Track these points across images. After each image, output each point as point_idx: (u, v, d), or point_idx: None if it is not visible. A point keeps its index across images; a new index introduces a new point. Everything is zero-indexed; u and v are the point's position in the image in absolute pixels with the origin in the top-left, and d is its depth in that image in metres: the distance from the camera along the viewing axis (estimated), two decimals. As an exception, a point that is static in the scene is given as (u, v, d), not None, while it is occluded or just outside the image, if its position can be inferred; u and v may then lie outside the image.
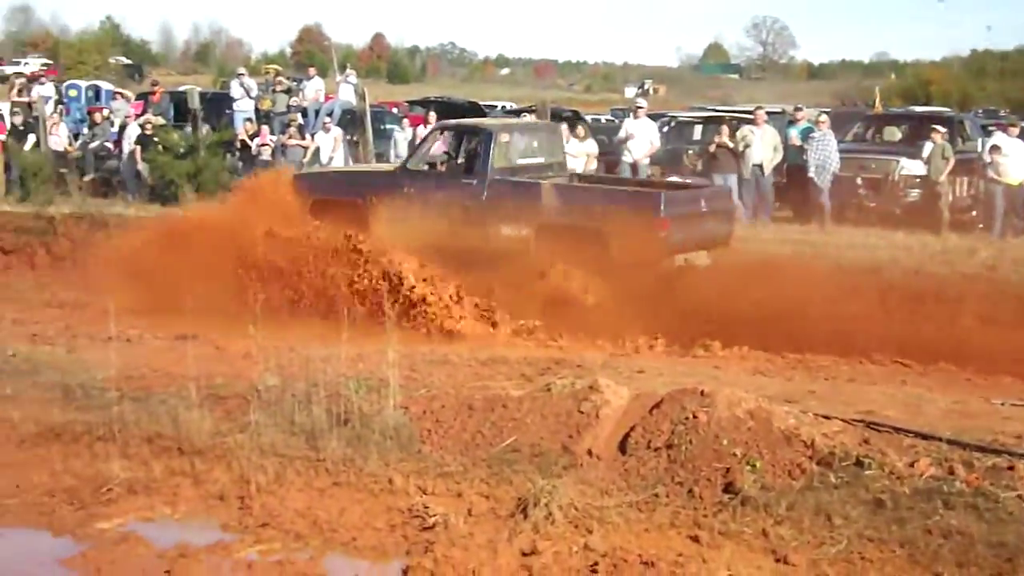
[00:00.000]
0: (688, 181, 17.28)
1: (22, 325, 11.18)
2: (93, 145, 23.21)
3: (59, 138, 22.87)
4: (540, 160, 14.01)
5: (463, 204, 12.93)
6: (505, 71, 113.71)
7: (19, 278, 15.54)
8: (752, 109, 21.12)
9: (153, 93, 25.98)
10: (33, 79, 31.56)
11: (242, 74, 24.95)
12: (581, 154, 19.11)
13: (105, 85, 37.95)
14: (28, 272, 16.02)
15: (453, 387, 8.32)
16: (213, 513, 6.75)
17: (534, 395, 7.64)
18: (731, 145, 19.16)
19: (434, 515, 6.39)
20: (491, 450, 7.23)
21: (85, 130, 25.08)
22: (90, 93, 34.00)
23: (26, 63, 68.29)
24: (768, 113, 20.34)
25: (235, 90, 23.93)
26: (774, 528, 6.11)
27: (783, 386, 9.02)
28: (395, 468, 7.10)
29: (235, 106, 23.54)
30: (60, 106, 27.85)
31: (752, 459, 6.62)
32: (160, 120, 22.86)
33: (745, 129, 19.39)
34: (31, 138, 22.78)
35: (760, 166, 19.20)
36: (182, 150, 21.19)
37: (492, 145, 13.18)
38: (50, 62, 69.76)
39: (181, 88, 30.45)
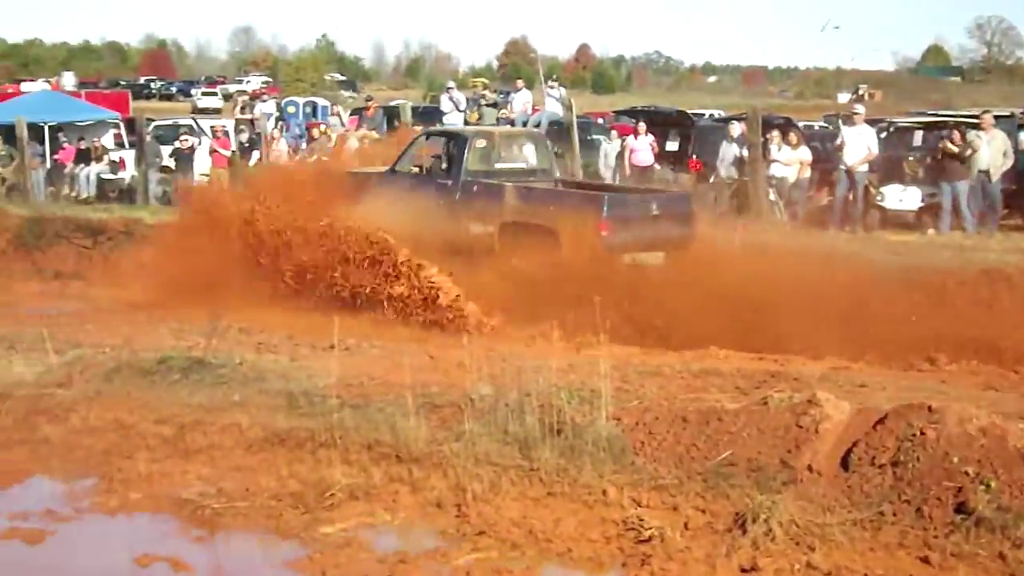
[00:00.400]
0: (643, 187, 17.31)
1: (248, 334, 11.59)
2: (312, 159, 23.99)
3: (279, 153, 23.73)
4: (522, 165, 15.35)
5: (439, 203, 14.22)
6: (712, 79, 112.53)
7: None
8: (978, 113, 20.29)
9: (367, 108, 26.73)
10: (255, 97, 32.93)
11: (451, 88, 25.44)
12: (794, 161, 18.73)
13: (321, 101, 39.26)
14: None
15: (666, 399, 8.24)
16: (431, 520, 6.85)
17: (750, 408, 7.49)
18: (957, 151, 18.44)
19: (650, 528, 6.33)
20: (706, 463, 7.11)
21: (304, 145, 25.97)
22: (307, 109, 35.25)
23: (248, 81, 71.45)
24: (996, 117, 19.51)
25: (444, 104, 24.41)
26: (1012, 552, 5.81)
27: (1019, 403, 8.61)
28: (609, 480, 7.06)
29: (444, 119, 24.00)
30: (280, 122, 28.92)
31: (986, 478, 6.31)
32: (375, 134, 23.49)
33: (972, 134, 18.64)
34: (255, 155, 23.72)
35: (987, 172, 18.43)
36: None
37: (467, 150, 14.60)
38: (270, 80, 72.63)
39: (393, 102, 31.24)
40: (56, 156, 25.92)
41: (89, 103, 31.84)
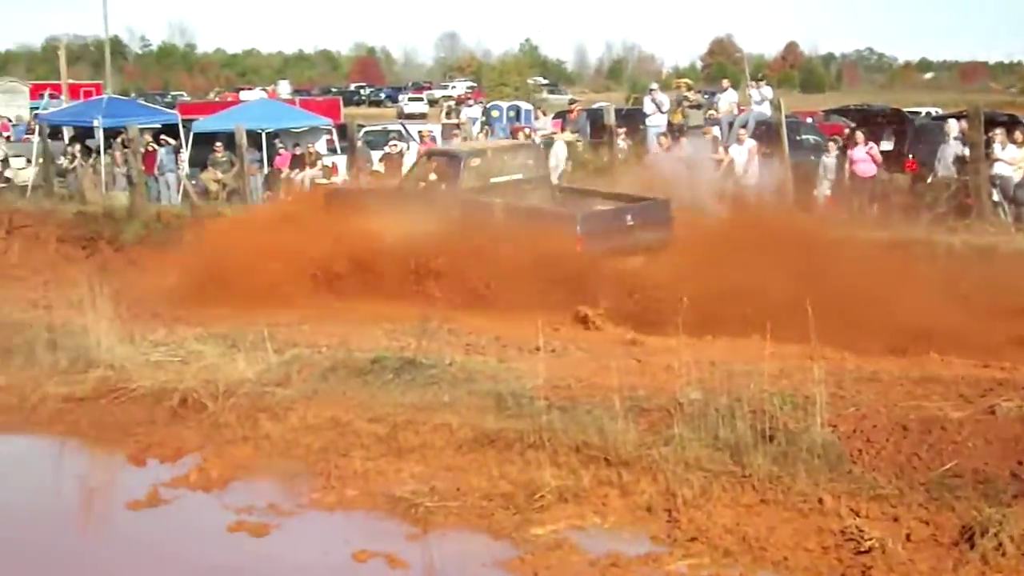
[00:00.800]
0: (622, 196, 16.78)
1: (457, 336, 11.75)
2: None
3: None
4: (519, 176, 16.20)
5: (441, 217, 14.81)
6: (928, 75, 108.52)
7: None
8: None
9: (571, 111, 26.79)
10: (460, 102, 33.42)
11: (654, 89, 25.24)
12: (1019, 161, 17.89)
13: (524, 105, 39.61)
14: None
15: (884, 406, 7.98)
16: (641, 524, 6.82)
17: (976, 417, 7.20)
18: None
19: (869, 539, 6.15)
20: (929, 474, 6.86)
21: (508, 148, 26.19)
22: (511, 113, 35.57)
23: (453, 87, 72.70)
24: None
25: (647, 105, 24.23)
26: None
27: None
28: (824, 488, 6.88)
29: (648, 121, 23.83)
30: (486, 127, 29.27)
31: None
32: (577, 137, 23.52)
33: None
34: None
35: None
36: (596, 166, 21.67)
37: (462, 168, 15.56)
38: (475, 85, 73.69)
39: (596, 105, 31.25)
40: (273, 162, 26.84)
41: (303, 110, 32.83)
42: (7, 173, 26.50)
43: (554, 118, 28.51)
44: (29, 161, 26.81)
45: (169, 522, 7.51)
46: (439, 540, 6.89)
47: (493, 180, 15.87)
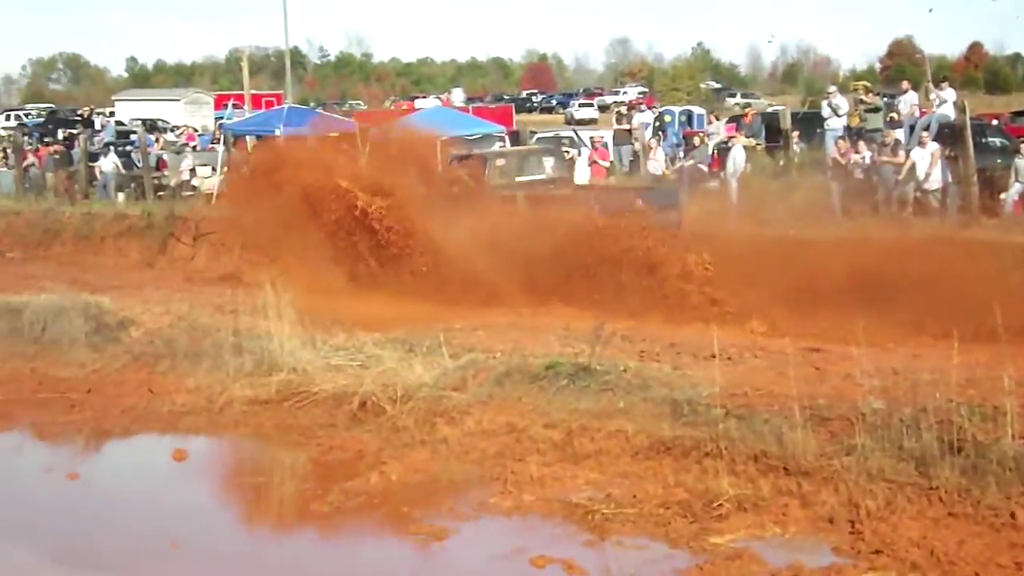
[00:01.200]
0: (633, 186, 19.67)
1: (631, 342, 11.70)
2: (688, 166, 24.00)
3: (657, 162, 23.87)
4: (541, 176, 18.16)
5: (476, 210, 16.00)
6: None
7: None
8: None
9: (745, 115, 26.44)
10: (632, 107, 33.29)
11: (831, 92, 24.71)
12: None
13: (697, 110, 39.25)
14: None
15: (1080, 418, 7.63)
16: (823, 535, 6.69)
17: None
18: None
19: (1069, 557, 5.89)
20: None
21: (681, 154, 26.00)
22: (683, 118, 35.28)
23: (624, 92, 72.49)
24: None
25: (825, 109, 23.74)
26: None
27: None
28: (1017, 502, 6.65)
29: (826, 125, 23.33)
30: (658, 132, 29.10)
31: None
32: (753, 141, 23.20)
33: None
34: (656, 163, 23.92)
35: None
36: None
37: (488, 168, 17.69)
38: (646, 90, 73.38)
39: (771, 109, 30.77)
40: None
41: (476, 117, 33.22)
42: (193, 182, 27.42)
43: (728, 122, 28.17)
44: (214, 169, 27.73)
45: (352, 525, 7.67)
46: (616, 547, 6.88)
47: (518, 179, 17.65)
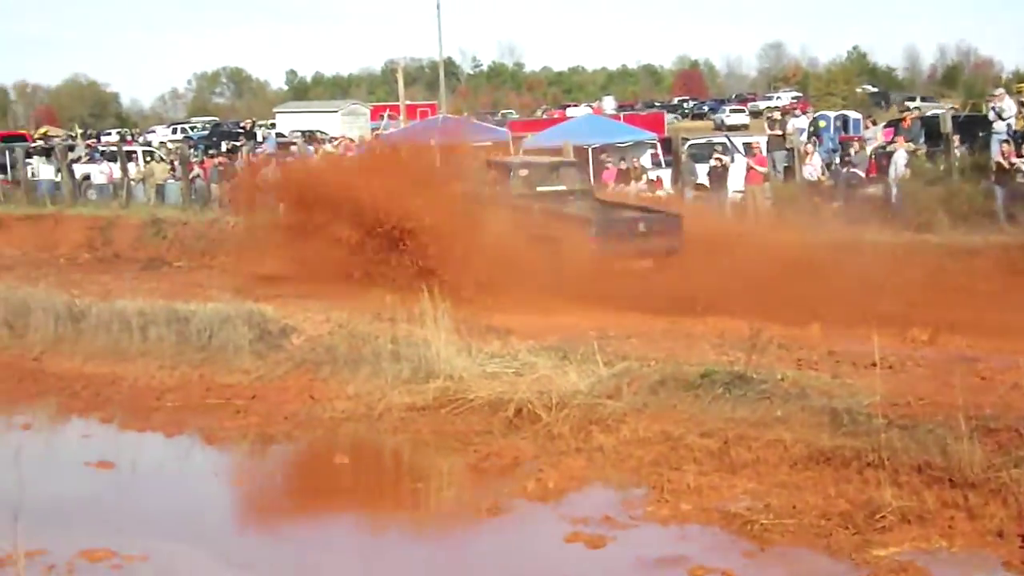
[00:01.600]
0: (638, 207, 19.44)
1: (788, 350, 11.55)
2: (844, 173, 23.55)
3: (813, 168, 23.48)
4: (561, 187, 18.59)
5: (499, 217, 16.86)
6: None
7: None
8: None
9: (903, 119, 25.85)
10: (786, 112, 32.82)
11: (996, 95, 23.99)
12: None
13: (852, 114, 38.48)
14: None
15: None
16: (992, 550, 6.53)
17: None
18: None
19: None
20: None
21: (837, 159, 25.54)
22: (839, 123, 34.63)
23: (778, 97, 71.50)
24: None
25: (990, 112, 23.07)
26: None
27: None
28: None
29: (994, 128, 22.65)
30: (813, 137, 28.64)
31: None
32: (911, 146, 22.65)
33: None
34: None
35: None
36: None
37: (511, 176, 18.43)
38: (800, 95, 72.25)
39: (931, 112, 30.01)
40: (599, 177, 27.27)
41: (628, 125, 33.22)
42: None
43: (885, 127, 27.57)
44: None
45: (508, 531, 7.74)
46: (776, 559, 6.79)
47: (541, 188, 18.28)
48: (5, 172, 35.12)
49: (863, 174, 23.31)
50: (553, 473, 8.46)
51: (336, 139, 43.90)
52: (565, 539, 7.33)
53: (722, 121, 66.07)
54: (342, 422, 10.21)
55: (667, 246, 16.88)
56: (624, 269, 16.01)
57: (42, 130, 67.39)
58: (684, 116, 75.47)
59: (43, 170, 34.08)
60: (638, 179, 26.10)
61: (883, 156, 23.10)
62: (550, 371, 10.24)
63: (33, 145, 42.51)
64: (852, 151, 24.29)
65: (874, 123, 28.37)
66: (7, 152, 37.03)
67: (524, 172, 18.80)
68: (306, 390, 11.06)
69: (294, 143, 38.64)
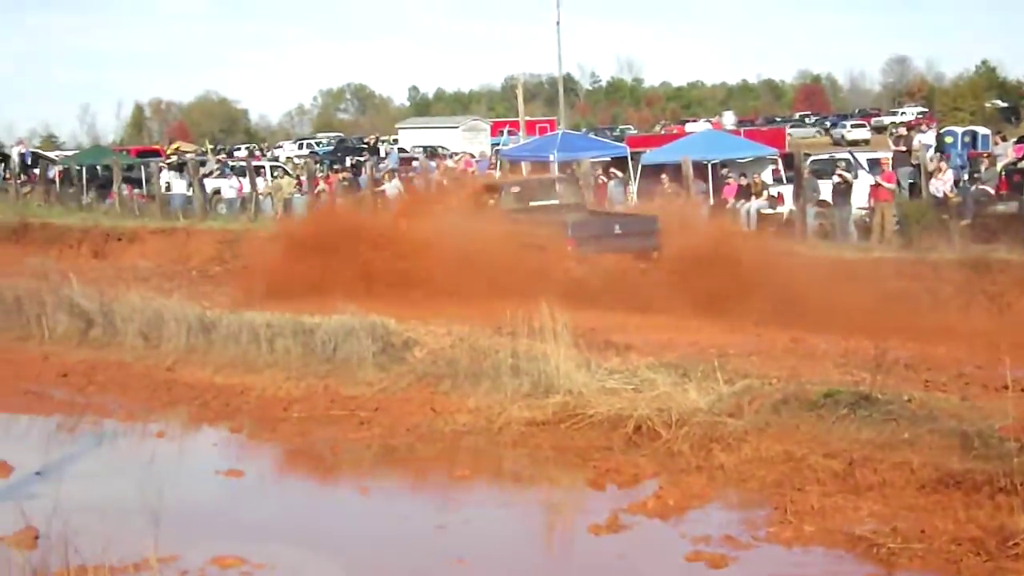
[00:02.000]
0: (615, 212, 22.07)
1: (915, 371, 11.32)
2: (973, 190, 23.05)
3: (943, 183, 23.01)
4: (555, 202, 20.42)
5: (496, 230, 18.25)
6: None
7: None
8: None
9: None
10: (911, 128, 32.25)
11: None
12: None
13: (981, 130, 37.62)
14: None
15: None
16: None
17: None
18: None
19: None
20: None
21: (965, 176, 25.01)
22: (966, 139, 33.88)
23: (903, 112, 70.20)
24: None
25: None
26: None
27: None
28: None
29: None
30: (939, 153, 28.07)
31: None
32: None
33: None
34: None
35: None
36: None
37: (502, 193, 20.40)
38: (926, 110, 70.82)
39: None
40: (720, 192, 27.06)
41: (748, 140, 32.89)
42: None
43: (1016, 143, 26.90)
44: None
45: (628, 548, 7.70)
46: (906, 583, 6.67)
47: (533, 203, 20.02)
48: (140, 187, 36.17)
49: (993, 191, 22.78)
50: (673, 491, 8.43)
51: (457, 154, 44.42)
52: (686, 557, 7.29)
53: (842, 136, 65.05)
54: (463, 435, 10.30)
55: (643, 246, 18.36)
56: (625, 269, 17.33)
57: (174, 145, 69.28)
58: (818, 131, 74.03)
59: (176, 185, 35.06)
60: (759, 195, 25.81)
61: (1014, 173, 22.54)
62: (669, 388, 10.18)
63: (167, 160, 43.77)
64: (982, 167, 23.74)
65: (1004, 139, 27.71)
66: (142, 167, 38.20)
67: (516, 189, 20.85)
68: (428, 403, 11.17)
69: (416, 158, 39.09)
